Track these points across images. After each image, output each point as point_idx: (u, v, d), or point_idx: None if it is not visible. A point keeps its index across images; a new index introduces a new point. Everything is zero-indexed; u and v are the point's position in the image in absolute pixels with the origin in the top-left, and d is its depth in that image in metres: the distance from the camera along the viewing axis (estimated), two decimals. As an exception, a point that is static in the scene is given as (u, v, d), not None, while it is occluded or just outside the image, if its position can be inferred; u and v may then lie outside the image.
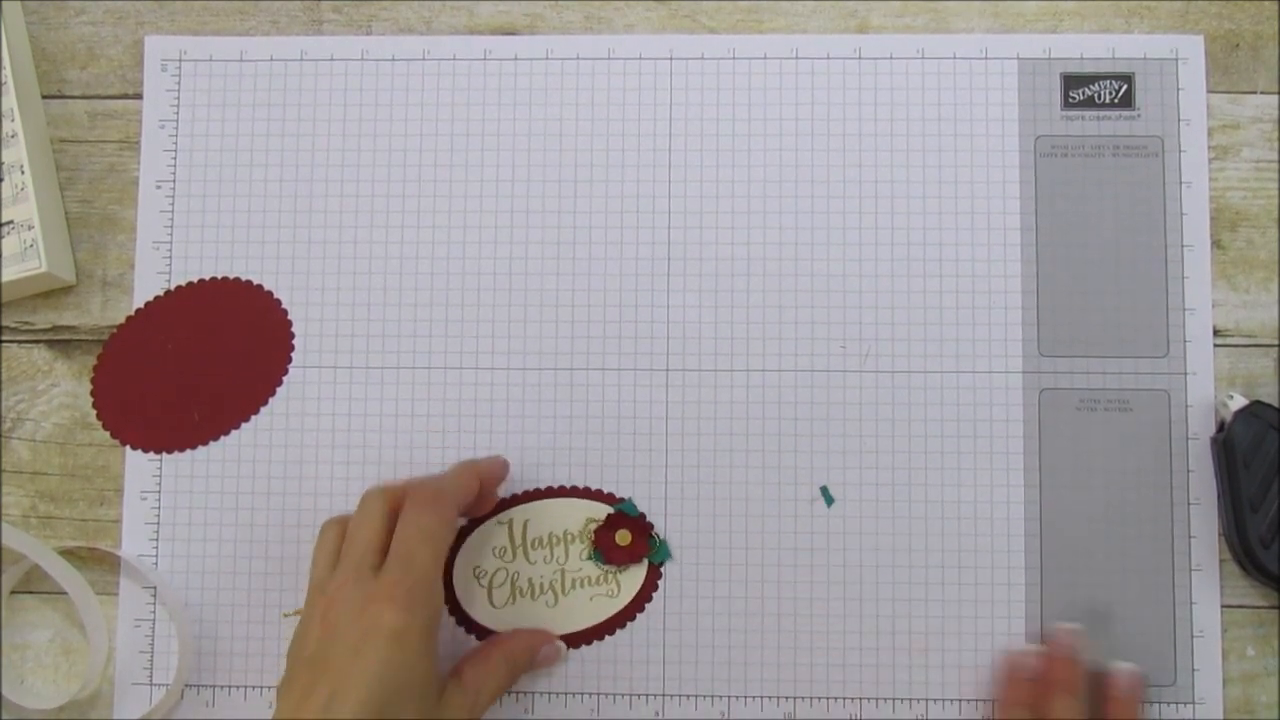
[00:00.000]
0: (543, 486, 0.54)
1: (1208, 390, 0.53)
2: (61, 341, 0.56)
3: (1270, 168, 0.55)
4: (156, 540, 0.54)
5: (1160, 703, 0.52)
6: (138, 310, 0.55)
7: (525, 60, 0.56)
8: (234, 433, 0.54)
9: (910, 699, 0.52)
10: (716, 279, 0.55)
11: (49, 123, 0.57)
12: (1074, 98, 0.55)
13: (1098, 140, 0.55)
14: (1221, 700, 0.52)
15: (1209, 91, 0.55)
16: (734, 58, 0.56)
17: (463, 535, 0.53)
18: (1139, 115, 0.55)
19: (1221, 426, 0.52)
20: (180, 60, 0.57)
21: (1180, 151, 0.54)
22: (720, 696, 0.53)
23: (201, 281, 0.55)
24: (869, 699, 0.52)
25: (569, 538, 0.53)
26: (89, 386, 0.55)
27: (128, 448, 0.55)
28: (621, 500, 0.53)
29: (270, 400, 0.55)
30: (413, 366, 0.55)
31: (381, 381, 0.55)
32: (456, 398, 0.54)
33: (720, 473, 0.54)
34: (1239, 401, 0.52)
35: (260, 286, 0.55)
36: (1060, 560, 0.53)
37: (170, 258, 0.56)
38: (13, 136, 0.54)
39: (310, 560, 0.49)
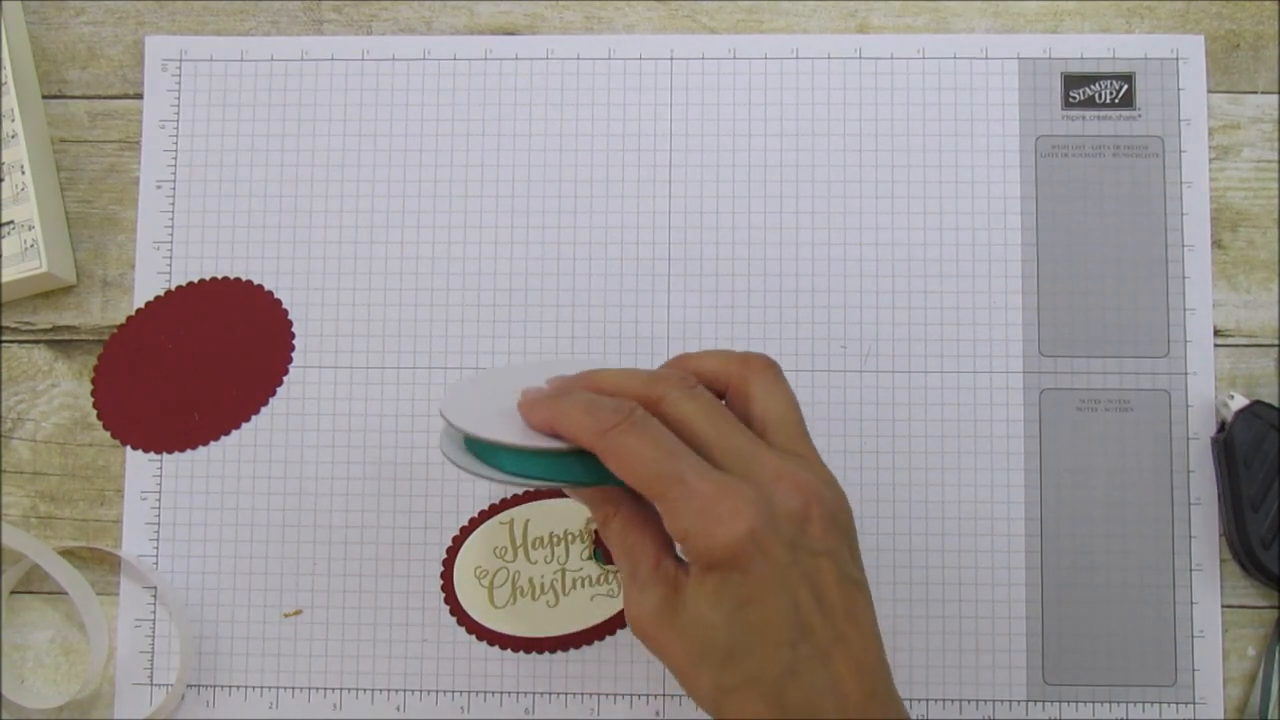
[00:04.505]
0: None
1: (1208, 390, 0.53)
2: (62, 341, 0.56)
3: (1271, 168, 0.55)
4: (157, 540, 0.54)
5: (1160, 703, 0.52)
6: (138, 310, 0.55)
7: (525, 60, 0.56)
8: (234, 433, 0.54)
9: (910, 699, 0.52)
10: (717, 279, 0.55)
11: (49, 123, 0.57)
12: (1074, 98, 0.55)
13: (1098, 140, 0.54)
14: (1221, 700, 0.52)
15: (1209, 91, 0.55)
16: (734, 58, 0.56)
17: (464, 535, 0.53)
18: (1139, 115, 0.55)
19: (1222, 426, 0.52)
20: (180, 60, 0.57)
21: (1181, 151, 0.54)
22: (720, 696, 0.52)
23: (201, 281, 0.55)
24: (869, 699, 0.52)
25: (570, 537, 0.53)
26: (89, 386, 0.55)
27: (128, 448, 0.55)
28: (622, 500, 0.53)
29: (270, 400, 0.55)
30: (413, 366, 0.55)
31: (381, 381, 0.55)
32: (457, 398, 0.54)
33: (720, 473, 0.53)
34: (1240, 401, 0.52)
35: (260, 286, 0.55)
36: (1060, 560, 0.53)
37: (170, 258, 0.56)
38: (13, 136, 0.54)
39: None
